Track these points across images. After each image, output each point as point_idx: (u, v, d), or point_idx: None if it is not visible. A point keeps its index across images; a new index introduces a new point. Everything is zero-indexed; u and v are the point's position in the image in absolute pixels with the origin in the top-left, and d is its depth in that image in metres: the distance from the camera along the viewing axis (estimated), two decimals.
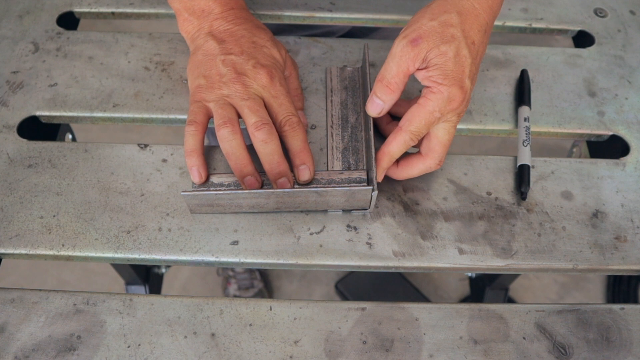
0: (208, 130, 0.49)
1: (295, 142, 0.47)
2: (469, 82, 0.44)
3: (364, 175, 0.47)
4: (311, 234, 0.48)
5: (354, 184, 0.46)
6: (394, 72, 0.45)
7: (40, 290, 0.46)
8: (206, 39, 0.50)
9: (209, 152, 0.52)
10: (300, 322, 0.45)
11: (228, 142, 0.46)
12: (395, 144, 0.47)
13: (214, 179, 0.48)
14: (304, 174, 0.48)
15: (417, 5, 0.62)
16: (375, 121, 0.53)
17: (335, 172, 0.47)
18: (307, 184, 0.47)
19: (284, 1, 0.62)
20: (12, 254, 0.47)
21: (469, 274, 1.18)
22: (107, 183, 0.50)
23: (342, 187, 0.46)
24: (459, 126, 0.55)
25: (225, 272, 1.36)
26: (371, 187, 0.45)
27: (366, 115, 0.52)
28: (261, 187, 0.48)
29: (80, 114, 0.54)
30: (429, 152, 0.48)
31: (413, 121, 0.45)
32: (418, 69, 0.45)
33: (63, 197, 0.49)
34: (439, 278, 1.38)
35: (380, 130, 0.53)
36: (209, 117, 0.48)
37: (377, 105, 0.47)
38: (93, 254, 0.47)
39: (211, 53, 0.49)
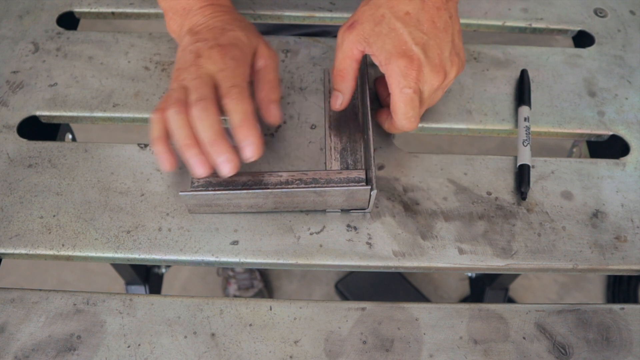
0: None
1: (235, 115, 0.44)
2: (418, 48, 0.45)
3: (362, 175, 0.47)
4: (311, 234, 0.48)
5: (353, 184, 0.46)
6: (339, 59, 0.48)
7: (40, 290, 0.46)
8: (186, 35, 0.50)
9: None
10: (300, 322, 0.45)
11: (174, 120, 0.44)
12: (394, 128, 0.49)
13: (212, 179, 0.48)
14: (246, 151, 0.44)
15: None
16: (377, 92, 0.54)
17: (334, 171, 0.47)
18: (307, 183, 0.47)
19: (284, 1, 0.62)
20: (12, 254, 0.47)
21: (469, 274, 1.18)
22: (107, 183, 0.50)
23: (340, 186, 0.46)
24: (459, 126, 0.55)
25: (225, 272, 1.36)
26: (370, 187, 0.45)
27: (365, 116, 0.52)
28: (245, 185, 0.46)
29: (80, 114, 0.54)
30: (392, 114, 0.48)
31: (396, 110, 0.47)
32: (372, 55, 0.46)
33: (63, 197, 0.49)
34: (439, 278, 1.38)
35: (381, 102, 0.54)
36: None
37: (336, 97, 0.50)
38: (93, 254, 0.47)
39: (185, 46, 0.49)
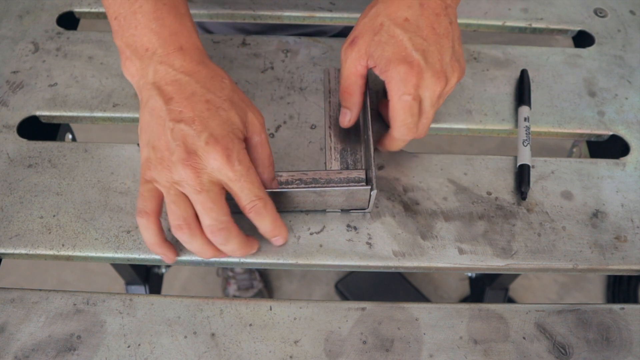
0: None
1: (264, 225, 0.44)
2: (418, 54, 0.44)
3: (362, 175, 0.47)
4: (311, 234, 0.48)
5: (353, 184, 0.46)
6: (344, 76, 0.48)
7: (40, 290, 0.46)
8: (151, 92, 0.42)
9: None
10: (300, 322, 0.45)
11: (190, 244, 0.43)
12: (393, 141, 0.48)
13: None
14: (277, 242, 0.46)
15: None
16: (382, 114, 0.54)
17: (334, 171, 0.47)
18: (307, 183, 0.46)
19: (284, 1, 0.62)
20: (12, 254, 0.47)
21: (469, 274, 1.18)
22: (107, 183, 0.50)
23: (340, 187, 0.46)
24: (459, 126, 0.55)
25: (225, 273, 1.36)
26: (370, 187, 0.45)
27: (365, 116, 0.52)
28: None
29: (80, 114, 0.54)
30: (390, 122, 0.47)
31: (393, 117, 0.46)
32: (373, 68, 0.46)
33: (63, 197, 0.49)
34: (439, 278, 1.38)
35: (387, 122, 0.53)
36: (161, 199, 0.43)
37: (344, 114, 0.50)
38: (93, 254, 0.47)
39: (158, 115, 0.41)
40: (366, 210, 0.49)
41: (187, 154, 0.40)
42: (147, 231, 0.43)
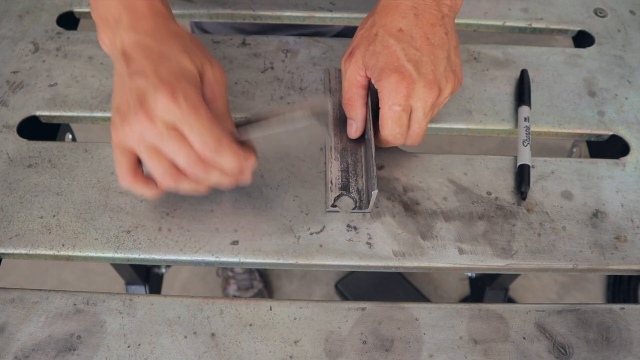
0: None
1: (227, 162, 0.42)
2: (411, 65, 0.44)
3: (319, 102, 0.43)
4: (311, 233, 0.48)
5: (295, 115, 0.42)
6: (346, 88, 0.49)
7: (40, 290, 0.46)
8: (118, 58, 0.44)
9: None
10: (300, 322, 0.45)
11: (180, 189, 0.43)
12: (383, 142, 0.49)
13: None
14: (245, 182, 0.45)
15: None
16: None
17: (282, 107, 0.44)
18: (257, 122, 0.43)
19: (284, 1, 0.62)
20: (12, 254, 0.47)
21: (469, 274, 1.18)
22: (107, 183, 0.50)
23: (282, 123, 0.42)
24: (459, 126, 0.55)
25: (225, 273, 1.36)
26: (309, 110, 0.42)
27: (365, 116, 0.52)
28: None
29: (80, 114, 0.54)
30: (380, 126, 0.47)
31: (383, 125, 0.47)
32: (370, 76, 0.46)
33: (63, 197, 0.49)
34: (439, 278, 1.38)
35: (375, 142, 0.53)
36: (135, 156, 0.43)
37: (350, 125, 0.51)
38: (93, 254, 0.47)
39: (121, 76, 0.43)
40: (366, 210, 0.49)
41: (140, 104, 0.40)
42: (138, 189, 0.44)
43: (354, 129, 0.50)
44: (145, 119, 0.40)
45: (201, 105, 0.41)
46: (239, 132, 0.44)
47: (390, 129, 0.46)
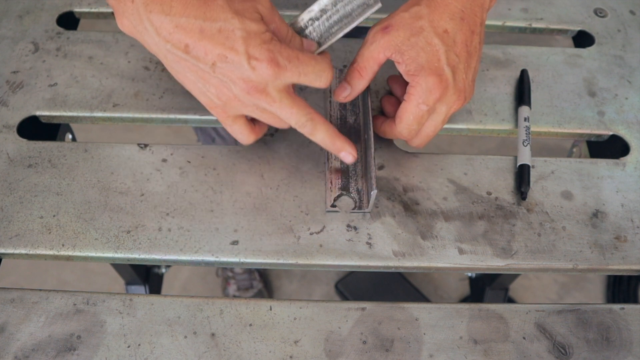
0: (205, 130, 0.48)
1: (322, 139, 0.46)
2: (449, 70, 0.44)
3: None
4: (311, 233, 0.48)
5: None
6: (364, 57, 0.47)
7: (40, 290, 0.46)
8: (165, 45, 0.42)
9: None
10: (300, 322, 0.45)
11: (317, 130, 0.46)
12: (391, 132, 0.49)
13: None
14: (347, 159, 0.48)
15: None
16: (384, 110, 0.54)
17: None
18: (319, 18, 0.46)
19: (284, 1, 0.62)
20: (12, 254, 0.47)
21: (469, 274, 1.18)
22: (107, 183, 0.50)
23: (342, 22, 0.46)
24: (459, 126, 0.55)
25: (225, 273, 1.36)
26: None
27: (365, 116, 0.52)
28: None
29: (80, 114, 0.54)
30: (396, 118, 0.48)
31: (402, 118, 0.46)
32: (397, 62, 0.46)
33: (63, 197, 0.49)
34: (439, 278, 1.38)
35: (375, 129, 0.53)
36: (246, 118, 0.47)
37: (344, 89, 0.48)
38: (93, 254, 0.47)
39: (189, 66, 0.43)
40: (366, 210, 0.49)
41: (245, 83, 0.42)
42: (256, 134, 0.48)
43: (346, 94, 0.49)
44: (257, 94, 0.42)
45: (291, 50, 0.42)
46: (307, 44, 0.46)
47: (409, 124, 0.46)
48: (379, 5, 0.45)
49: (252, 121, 0.48)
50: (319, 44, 0.46)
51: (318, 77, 0.44)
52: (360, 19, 0.45)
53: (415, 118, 0.46)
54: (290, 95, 0.44)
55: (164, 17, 0.41)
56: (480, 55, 0.48)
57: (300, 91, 0.56)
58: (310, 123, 0.45)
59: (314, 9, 0.46)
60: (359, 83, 0.48)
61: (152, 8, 0.41)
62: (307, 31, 0.46)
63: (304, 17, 0.46)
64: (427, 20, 0.45)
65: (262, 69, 0.41)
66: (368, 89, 0.51)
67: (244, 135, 0.47)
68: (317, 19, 0.46)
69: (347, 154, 0.47)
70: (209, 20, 0.41)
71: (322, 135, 0.46)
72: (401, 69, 0.46)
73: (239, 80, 0.42)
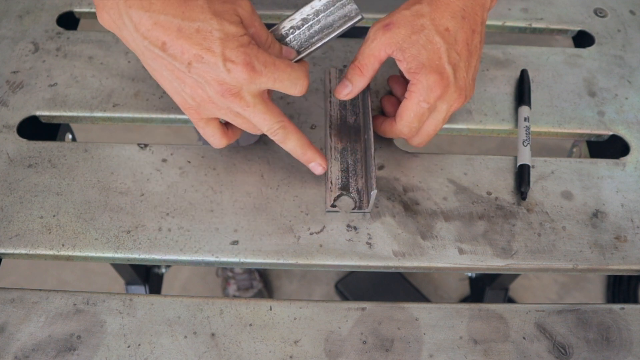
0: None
1: (293, 148, 0.47)
2: (450, 67, 0.45)
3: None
4: (311, 233, 0.48)
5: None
6: (365, 54, 0.47)
7: (40, 290, 0.46)
8: (142, 41, 0.41)
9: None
10: (300, 322, 0.45)
11: (288, 139, 0.46)
12: (391, 131, 0.49)
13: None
14: (317, 171, 0.49)
15: None
16: (384, 110, 0.54)
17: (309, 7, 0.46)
18: (300, 27, 0.46)
19: (284, 1, 0.62)
20: (12, 254, 0.47)
21: (469, 274, 1.18)
22: (107, 183, 0.50)
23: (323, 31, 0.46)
24: (459, 126, 0.55)
25: (225, 273, 1.36)
26: None
27: (365, 117, 0.52)
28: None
29: (80, 114, 0.54)
30: (397, 116, 0.47)
31: (403, 116, 0.46)
32: (397, 60, 0.46)
33: (63, 197, 0.49)
34: (439, 278, 1.38)
35: (375, 129, 0.53)
36: (219, 123, 0.47)
37: (345, 86, 0.48)
38: (93, 254, 0.47)
39: (165, 64, 0.42)
40: (366, 210, 0.49)
41: (220, 87, 0.41)
42: (228, 140, 0.47)
43: (347, 92, 0.48)
44: (231, 97, 0.42)
45: (268, 55, 0.42)
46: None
47: (410, 122, 0.46)
48: (361, 17, 0.45)
49: (226, 125, 0.48)
50: (298, 53, 0.46)
51: (293, 84, 0.43)
52: (341, 31, 0.46)
53: (416, 116, 0.46)
54: (264, 101, 0.44)
55: (143, 13, 0.40)
56: (480, 55, 0.48)
57: None
58: (282, 131, 0.45)
59: (296, 17, 0.46)
60: (360, 80, 0.48)
61: (131, 3, 0.40)
62: (287, 39, 0.46)
63: (286, 25, 0.46)
64: (429, 19, 0.45)
65: (237, 72, 0.41)
66: (368, 88, 0.51)
67: (216, 139, 0.47)
68: (299, 27, 0.46)
69: (317, 165, 0.48)
70: (188, 20, 0.40)
71: (294, 144, 0.46)
72: (402, 66, 0.46)
73: (213, 82, 0.41)
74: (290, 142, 0.46)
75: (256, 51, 0.42)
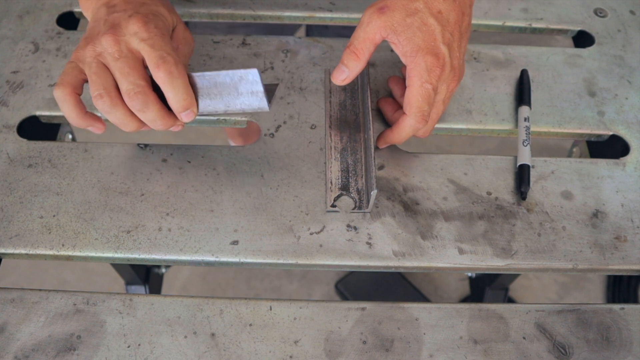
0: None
1: (174, 89, 0.43)
2: (445, 48, 0.45)
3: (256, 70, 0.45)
4: (311, 233, 0.48)
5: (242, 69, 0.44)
6: (360, 38, 0.47)
7: (40, 290, 0.46)
8: (100, 8, 0.46)
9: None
10: (300, 322, 0.45)
11: (111, 114, 0.44)
12: (402, 128, 0.48)
13: None
14: (187, 118, 0.45)
15: None
16: (382, 111, 0.54)
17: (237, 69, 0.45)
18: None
19: (284, 1, 0.62)
20: (12, 254, 0.47)
21: (469, 274, 1.18)
22: (107, 183, 0.50)
23: (228, 70, 0.44)
24: (459, 126, 0.55)
25: None
26: (257, 69, 0.43)
27: (365, 116, 0.52)
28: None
29: None
30: (405, 107, 0.47)
31: (411, 102, 0.46)
32: (392, 43, 0.46)
33: (63, 197, 0.49)
34: (439, 278, 1.38)
35: (387, 120, 0.53)
36: (82, 76, 0.44)
37: (342, 72, 0.48)
38: (93, 254, 0.47)
39: (99, 16, 0.45)
40: (366, 210, 0.49)
41: (111, 27, 0.43)
42: (65, 103, 0.44)
43: (344, 77, 0.48)
44: (111, 38, 0.43)
45: (167, 37, 0.44)
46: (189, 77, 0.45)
47: (420, 106, 0.46)
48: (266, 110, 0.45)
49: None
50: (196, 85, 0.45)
51: (161, 57, 0.42)
52: (241, 108, 0.45)
53: (424, 98, 0.45)
54: (136, 59, 0.43)
55: None
56: (469, 37, 0.49)
57: (300, 91, 0.56)
58: (142, 96, 0.43)
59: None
60: (356, 65, 0.47)
61: None
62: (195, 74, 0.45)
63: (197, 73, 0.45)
64: (422, 2, 0.45)
65: (134, 20, 0.43)
66: (368, 89, 0.51)
67: (64, 79, 0.44)
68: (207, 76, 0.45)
69: (186, 115, 0.45)
70: None
71: (154, 115, 0.44)
72: (397, 50, 0.46)
73: (111, 24, 0.44)
74: (150, 112, 0.44)
75: (161, 23, 0.45)
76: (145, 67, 0.44)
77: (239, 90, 0.44)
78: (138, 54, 0.43)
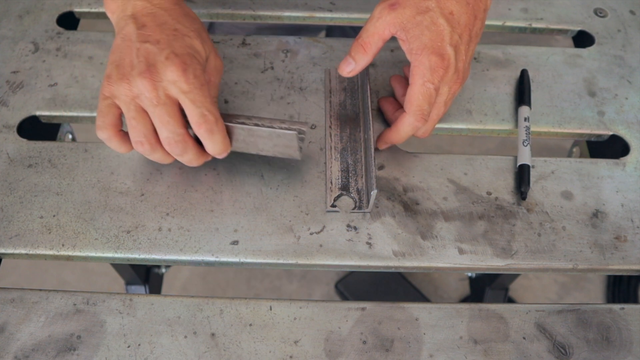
0: None
1: (213, 142, 0.45)
2: (452, 49, 0.45)
3: (304, 127, 0.46)
4: (311, 233, 0.48)
5: (281, 128, 0.45)
6: (369, 32, 0.47)
7: (40, 290, 0.46)
8: (127, 21, 0.45)
9: None
10: (300, 322, 0.45)
11: (151, 156, 0.46)
12: (401, 126, 0.48)
13: None
14: (222, 156, 0.47)
15: None
16: (382, 110, 0.54)
17: (277, 120, 0.47)
18: (243, 122, 0.46)
19: (284, 1, 0.62)
20: (12, 254, 0.47)
21: (469, 274, 1.18)
22: (107, 183, 0.50)
23: (267, 127, 0.45)
24: (459, 126, 0.55)
25: None
26: (295, 132, 0.45)
27: (365, 116, 0.52)
28: None
29: (80, 114, 0.54)
30: (405, 105, 0.47)
31: (411, 100, 0.46)
32: (400, 40, 0.46)
33: (63, 197, 0.49)
34: (439, 278, 1.38)
35: (388, 119, 0.53)
36: (119, 114, 0.45)
37: (349, 63, 0.48)
38: (93, 254, 0.47)
39: (129, 38, 0.44)
40: (366, 210, 0.49)
41: (147, 67, 0.42)
42: (112, 144, 0.45)
43: (351, 69, 0.48)
44: (148, 82, 0.42)
45: (206, 87, 0.44)
46: (224, 120, 0.46)
47: (420, 105, 0.46)
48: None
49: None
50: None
51: (202, 115, 0.43)
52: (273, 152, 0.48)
53: (425, 97, 0.46)
54: (174, 105, 0.43)
55: (147, 3, 0.45)
56: (478, 41, 0.48)
57: (300, 91, 0.56)
58: (182, 144, 0.44)
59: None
60: (363, 58, 0.48)
61: None
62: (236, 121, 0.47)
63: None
64: (435, 1, 0.45)
65: (172, 64, 0.42)
66: (368, 89, 0.51)
67: (105, 121, 0.44)
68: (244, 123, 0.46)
69: (225, 152, 0.47)
70: (176, 21, 0.46)
71: (190, 157, 0.46)
72: (404, 46, 0.46)
73: (146, 62, 0.42)
74: (188, 155, 0.46)
75: (199, 69, 0.44)
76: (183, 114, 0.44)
77: (274, 142, 0.47)
78: (176, 101, 0.43)
